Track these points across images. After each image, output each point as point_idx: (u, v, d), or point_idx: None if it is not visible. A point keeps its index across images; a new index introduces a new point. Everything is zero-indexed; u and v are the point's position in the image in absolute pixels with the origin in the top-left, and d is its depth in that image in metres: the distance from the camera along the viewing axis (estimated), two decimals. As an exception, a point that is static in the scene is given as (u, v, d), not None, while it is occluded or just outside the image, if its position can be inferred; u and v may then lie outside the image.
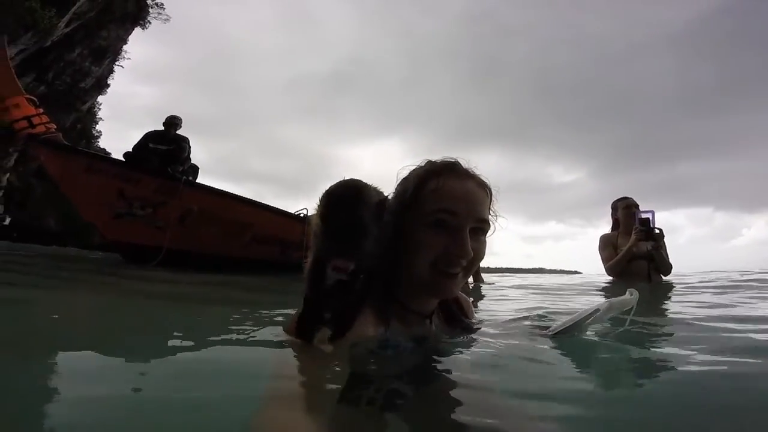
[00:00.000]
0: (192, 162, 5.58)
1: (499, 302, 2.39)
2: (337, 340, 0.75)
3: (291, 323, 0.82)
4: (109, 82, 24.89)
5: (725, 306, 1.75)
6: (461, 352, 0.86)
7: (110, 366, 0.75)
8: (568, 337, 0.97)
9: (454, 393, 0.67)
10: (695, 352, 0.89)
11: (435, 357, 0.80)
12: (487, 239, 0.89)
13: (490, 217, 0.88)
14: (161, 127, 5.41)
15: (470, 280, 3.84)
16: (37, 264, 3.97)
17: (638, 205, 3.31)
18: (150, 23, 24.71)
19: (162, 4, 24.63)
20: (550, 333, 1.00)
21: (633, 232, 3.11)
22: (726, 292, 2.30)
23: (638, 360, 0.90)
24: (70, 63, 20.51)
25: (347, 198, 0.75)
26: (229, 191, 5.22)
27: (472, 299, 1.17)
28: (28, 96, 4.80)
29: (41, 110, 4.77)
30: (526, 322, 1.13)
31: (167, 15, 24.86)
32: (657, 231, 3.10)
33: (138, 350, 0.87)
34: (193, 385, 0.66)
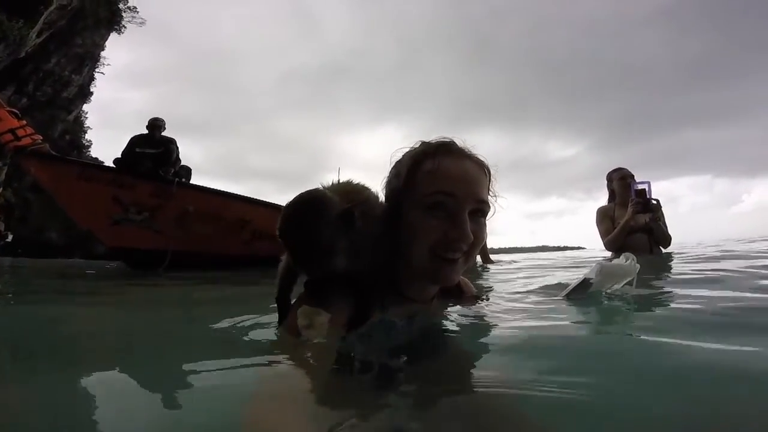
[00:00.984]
0: (183, 163, 5.56)
1: (506, 282, 2.36)
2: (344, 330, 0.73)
3: (290, 318, 0.76)
4: (92, 89, 24.49)
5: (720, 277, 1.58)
6: (459, 327, 0.83)
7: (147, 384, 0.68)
8: (571, 301, 0.97)
9: (448, 368, 0.65)
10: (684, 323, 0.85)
11: (432, 332, 0.78)
12: (486, 221, 0.84)
13: (489, 198, 0.84)
14: (146, 131, 5.37)
15: (479, 260, 3.82)
16: (42, 280, 4.00)
17: (633, 176, 3.14)
18: (125, 27, 24.13)
19: (135, 7, 23.96)
20: (561, 296, 1.00)
21: (630, 204, 2.95)
22: (723, 261, 2.16)
23: (639, 328, 0.84)
24: (49, 73, 20.13)
25: (301, 214, 0.70)
26: (223, 190, 5.22)
27: (481, 282, 1.15)
28: (9, 109, 4.75)
29: (24, 122, 4.73)
30: (531, 297, 1.11)
31: (142, 18, 24.24)
32: (654, 202, 2.93)
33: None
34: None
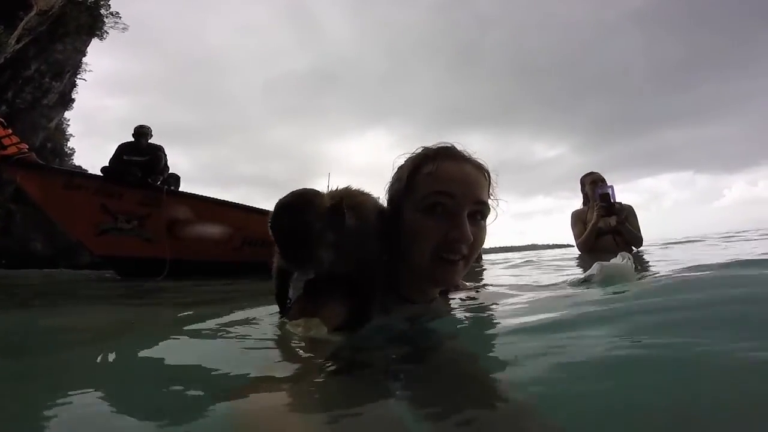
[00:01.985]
0: (171, 171, 5.55)
1: (502, 278, 2.35)
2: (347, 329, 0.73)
3: (294, 310, 0.80)
4: (73, 96, 23.99)
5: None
6: (460, 327, 0.84)
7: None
8: (571, 296, 0.97)
9: (448, 365, 0.64)
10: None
11: (433, 333, 0.77)
12: (486, 225, 0.85)
13: (490, 201, 0.84)
14: (132, 139, 5.35)
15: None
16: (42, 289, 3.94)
17: (604, 180, 3.30)
18: (107, 33, 23.72)
19: (118, 13, 23.60)
20: (561, 294, 1.00)
21: (594, 208, 3.15)
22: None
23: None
24: (29, 80, 19.66)
25: (291, 206, 0.72)
26: (212, 197, 5.21)
27: (474, 284, 1.15)
28: (-6, 118, 4.72)
29: (10, 131, 4.70)
30: (530, 294, 1.10)
31: (125, 24, 23.86)
32: (618, 205, 3.12)
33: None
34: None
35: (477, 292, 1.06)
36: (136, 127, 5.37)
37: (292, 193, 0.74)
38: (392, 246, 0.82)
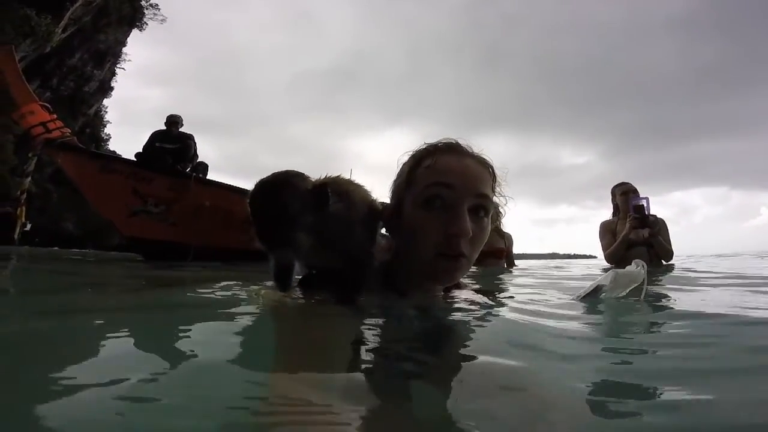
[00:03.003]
0: (200, 159, 5.75)
1: (518, 285, 2.26)
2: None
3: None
4: (113, 85, 25.14)
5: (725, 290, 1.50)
6: (463, 322, 0.80)
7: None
8: (583, 302, 0.96)
9: (466, 362, 0.59)
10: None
11: (443, 324, 0.74)
12: (490, 223, 0.80)
13: (495, 198, 0.81)
14: (164, 127, 5.57)
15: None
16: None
17: (636, 190, 3.21)
18: (147, 24, 24.73)
19: (157, 5, 24.57)
20: (573, 298, 0.99)
21: (627, 219, 3.07)
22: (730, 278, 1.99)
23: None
24: (72, 68, 20.77)
25: (270, 185, 0.69)
26: (238, 186, 5.30)
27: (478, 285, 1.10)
28: (41, 102, 4.99)
29: (55, 116, 4.96)
30: (542, 298, 1.09)
31: (163, 15, 24.83)
32: (652, 218, 3.04)
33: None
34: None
35: (479, 293, 1.04)
36: (168, 116, 5.59)
37: (274, 173, 0.71)
38: (395, 243, 0.81)
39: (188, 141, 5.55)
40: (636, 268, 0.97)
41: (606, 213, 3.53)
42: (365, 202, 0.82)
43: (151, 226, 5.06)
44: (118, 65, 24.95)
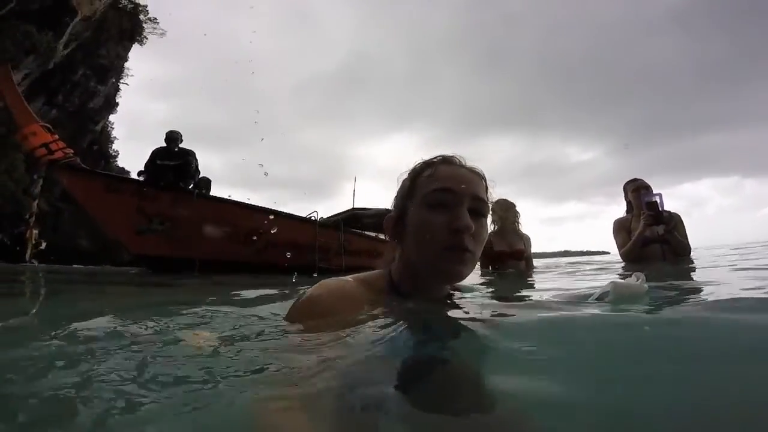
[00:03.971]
0: (203, 175, 5.74)
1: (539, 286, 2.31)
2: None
3: (291, 310, 0.84)
4: (117, 100, 25.43)
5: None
6: (470, 325, 0.82)
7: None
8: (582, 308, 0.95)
9: (461, 384, 0.62)
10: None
11: (444, 339, 0.75)
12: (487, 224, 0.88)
13: (487, 203, 0.89)
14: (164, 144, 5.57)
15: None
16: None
17: (649, 187, 3.15)
18: (147, 38, 24.95)
19: (155, 18, 24.76)
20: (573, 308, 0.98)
21: (641, 216, 3.01)
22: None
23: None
24: (76, 84, 21.04)
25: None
26: (240, 201, 5.39)
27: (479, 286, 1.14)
28: (42, 123, 4.99)
29: (56, 136, 4.96)
30: (544, 302, 1.11)
31: (162, 29, 25.04)
32: (666, 214, 2.98)
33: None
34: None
35: (480, 294, 1.10)
36: (167, 133, 5.58)
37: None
38: (400, 247, 0.87)
39: (189, 157, 5.56)
40: (637, 281, 0.98)
41: (616, 209, 3.45)
42: None
43: (157, 242, 5.09)
44: (121, 80, 25.24)
